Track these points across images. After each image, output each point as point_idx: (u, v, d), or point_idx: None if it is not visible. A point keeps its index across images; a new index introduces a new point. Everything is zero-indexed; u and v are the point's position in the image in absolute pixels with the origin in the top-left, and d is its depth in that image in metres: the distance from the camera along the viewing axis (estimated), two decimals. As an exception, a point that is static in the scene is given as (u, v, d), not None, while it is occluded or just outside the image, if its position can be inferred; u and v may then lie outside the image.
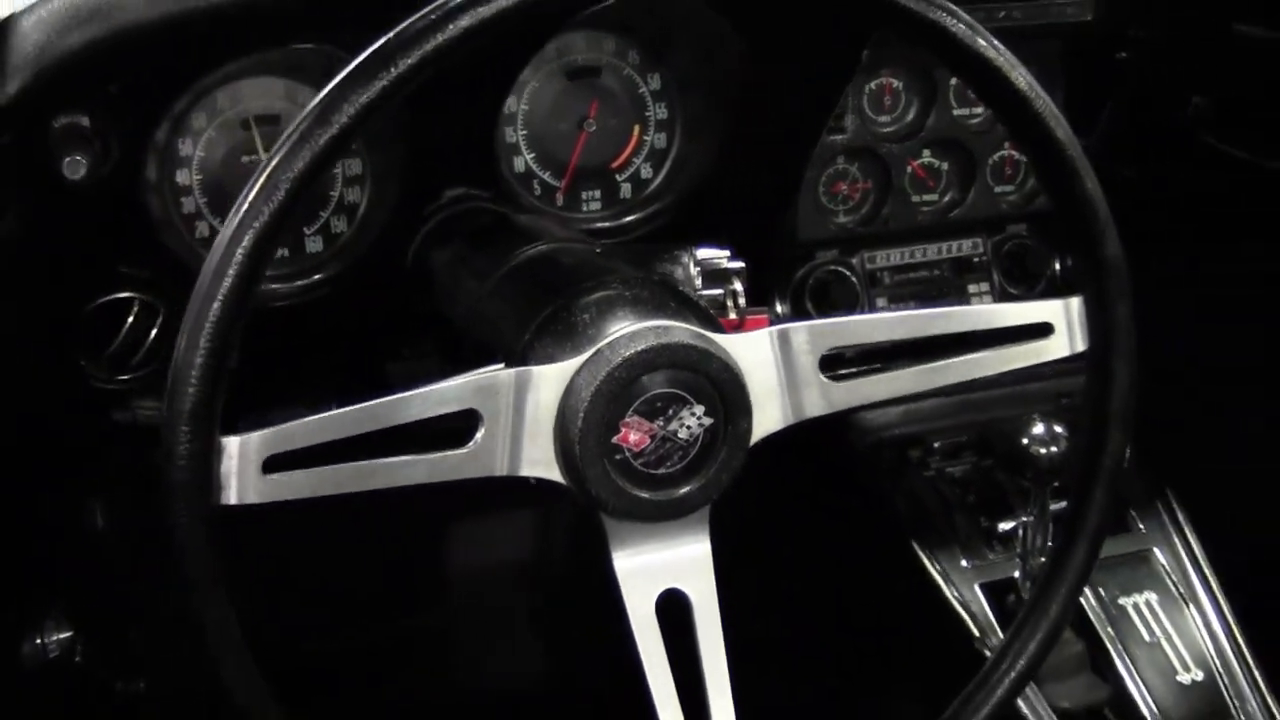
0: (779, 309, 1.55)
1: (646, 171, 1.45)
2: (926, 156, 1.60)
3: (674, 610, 0.96)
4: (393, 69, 0.82)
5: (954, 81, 1.57)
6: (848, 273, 1.59)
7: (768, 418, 0.95)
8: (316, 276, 1.34)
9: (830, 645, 1.67)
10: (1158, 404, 1.22)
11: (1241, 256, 1.74)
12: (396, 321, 1.30)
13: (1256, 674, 1.44)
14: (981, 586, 1.45)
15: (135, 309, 1.24)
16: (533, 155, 1.40)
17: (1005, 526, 1.42)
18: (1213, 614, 1.48)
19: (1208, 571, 1.50)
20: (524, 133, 1.39)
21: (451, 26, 0.83)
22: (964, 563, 1.47)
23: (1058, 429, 1.33)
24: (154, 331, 1.25)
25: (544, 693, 1.94)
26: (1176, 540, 1.53)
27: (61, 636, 1.30)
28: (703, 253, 1.11)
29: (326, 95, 0.83)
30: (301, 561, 1.68)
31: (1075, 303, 1.02)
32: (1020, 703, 1.35)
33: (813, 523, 1.63)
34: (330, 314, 1.32)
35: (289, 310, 1.32)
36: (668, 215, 1.44)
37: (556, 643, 1.95)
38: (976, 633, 1.42)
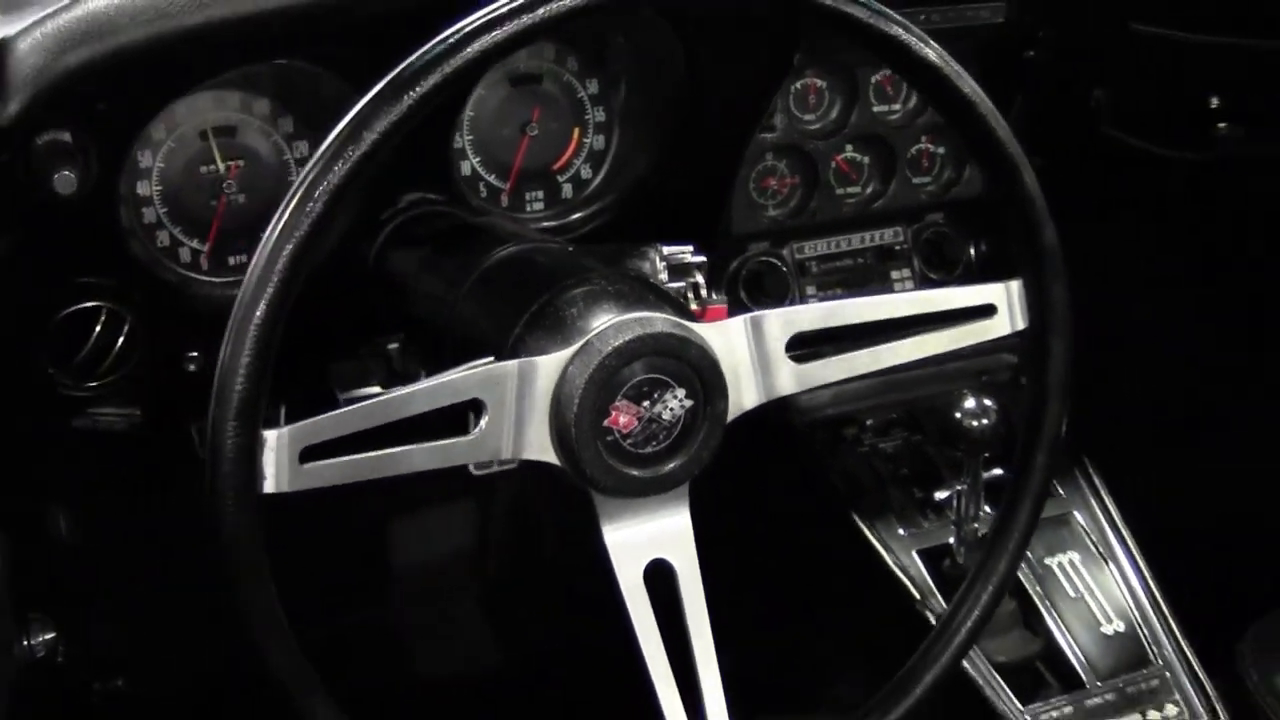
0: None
1: (586, 172, 1.49)
2: (849, 152, 1.65)
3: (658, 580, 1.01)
4: (418, 88, 0.87)
5: (874, 80, 1.64)
6: (779, 263, 1.65)
7: (743, 398, 1.01)
8: None
9: (778, 614, 1.72)
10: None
11: (1142, 237, 1.81)
12: (359, 324, 1.32)
13: (1171, 622, 1.51)
14: (919, 553, 1.51)
15: (103, 317, 1.25)
16: (479, 159, 1.43)
17: (940, 495, 1.48)
18: (1130, 570, 1.55)
19: (1124, 532, 1.57)
20: (470, 138, 1.42)
21: (470, 49, 0.88)
22: (901, 531, 1.53)
23: (987, 403, 1.38)
24: (120, 339, 1.27)
25: (494, 673, 1.97)
26: (1094, 504, 1.59)
27: (46, 637, 1.31)
28: (668, 249, 1.17)
29: (359, 111, 0.88)
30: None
31: (1015, 285, 1.09)
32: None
33: (757, 500, 1.67)
34: (294, 319, 1.34)
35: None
36: (608, 214, 1.48)
37: (503, 625, 1.97)
38: (917, 595, 1.48)
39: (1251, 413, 1.90)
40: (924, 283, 1.71)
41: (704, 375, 0.97)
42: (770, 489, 1.67)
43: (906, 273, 1.71)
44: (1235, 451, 1.89)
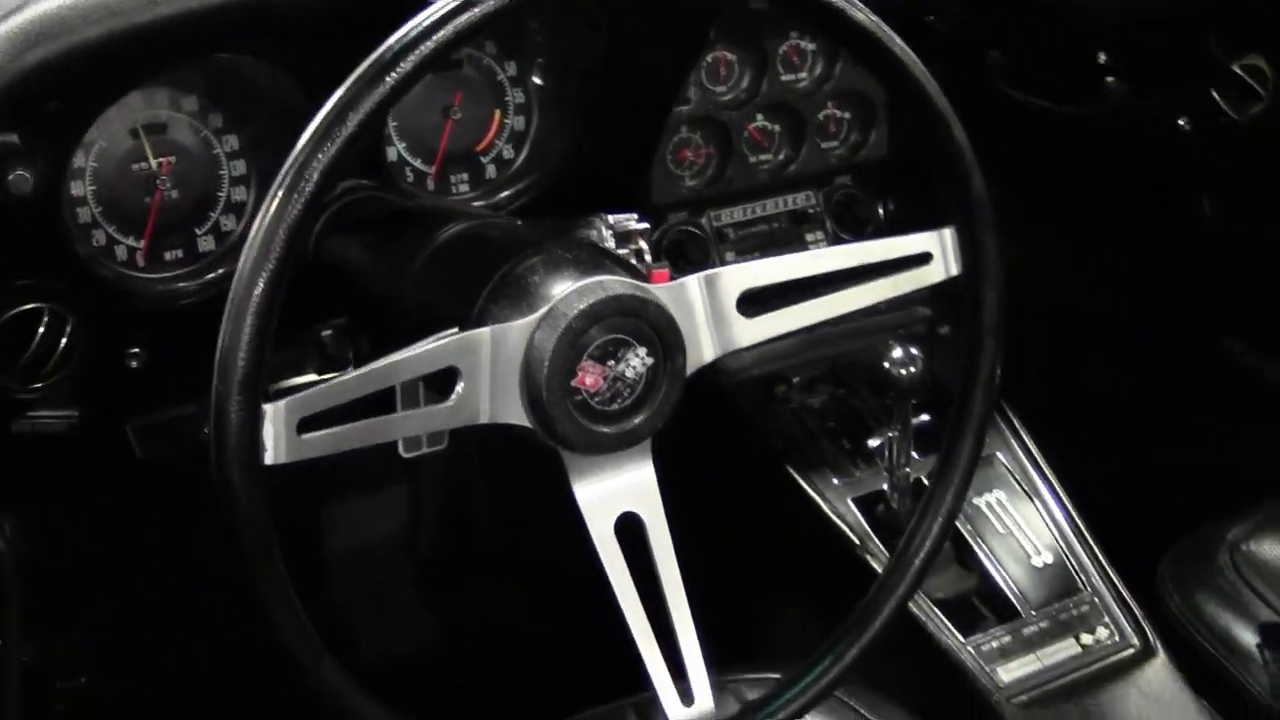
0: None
1: (509, 152, 1.49)
2: (760, 120, 1.67)
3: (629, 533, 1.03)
4: (399, 69, 0.90)
5: (781, 51, 1.66)
6: (698, 231, 1.67)
7: (700, 353, 1.04)
8: (214, 274, 1.34)
9: (720, 570, 1.73)
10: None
11: (1043, 195, 1.85)
12: (297, 314, 1.31)
13: (1096, 550, 1.55)
14: (854, 501, 1.54)
15: (46, 319, 1.24)
16: (404, 145, 1.43)
17: (873, 444, 1.51)
18: (1054, 505, 1.58)
19: (1046, 470, 1.61)
20: (395, 124, 1.43)
21: (446, 29, 0.91)
22: (835, 481, 1.56)
23: (914, 351, 1.41)
24: (64, 340, 1.25)
25: (432, 654, 1.97)
26: (1015, 446, 1.63)
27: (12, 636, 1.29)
28: (613, 217, 1.19)
29: (345, 93, 0.89)
30: (175, 556, 1.68)
31: (948, 233, 1.12)
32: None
33: (695, 461, 1.68)
34: None
35: (194, 308, 1.32)
36: (533, 191, 1.48)
37: (439, 605, 1.98)
38: (856, 541, 1.51)
39: (1151, 355, 1.95)
40: (836, 243, 1.73)
41: (663, 333, 0.99)
42: (706, 449, 1.68)
43: (820, 234, 1.74)
44: (1140, 392, 1.94)
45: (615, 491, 1.02)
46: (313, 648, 0.93)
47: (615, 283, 0.98)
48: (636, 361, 0.99)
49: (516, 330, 0.96)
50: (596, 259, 1.04)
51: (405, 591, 1.98)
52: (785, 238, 1.72)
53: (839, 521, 1.52)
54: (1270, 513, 1.56)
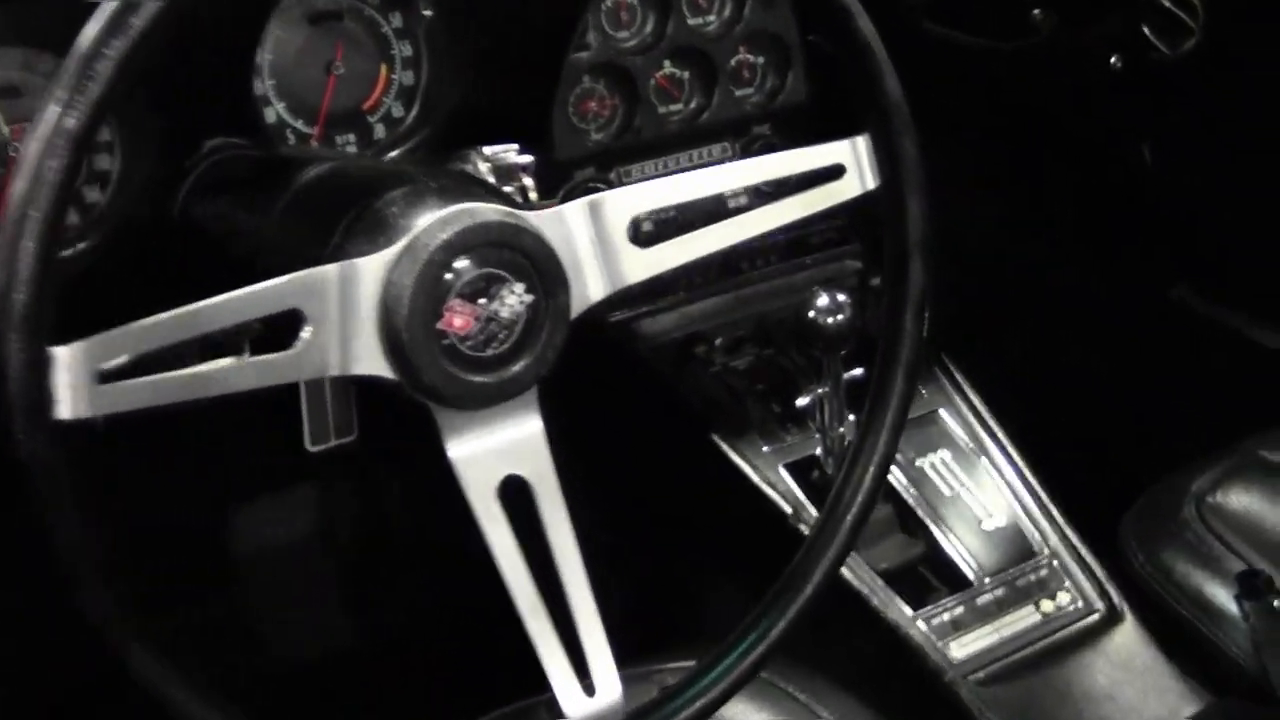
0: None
1: (398, 110, 1.38)
2: (668, 67, 1.54)
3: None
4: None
5: None
6: (606, 188, 1.51)
7: (587, 290, 0.92)
8: (79, 247, 1.22)
9: (644, 542, 1.60)
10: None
11: (977, 140, 1.75)
12: (169, 286, 1.19)
13: (1052, 509, 1.43)
14: (785, 467, 1.40)
15: None
16: (284, 105, 1.32)
17: (801, 402, 1.35)
18: (1004, 463, 1.46)
19: (993, 425, 1.48)
20: (272, 83, 1.31)
21: None
22: (764, 448, 1.41)
23: (841, 297, 1.28)
24: None
25: (353, 655, 1.85)
26: (959, 401, 1.50)
27: None
28: (491, 149, 1.07)
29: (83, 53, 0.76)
30: None
31: (861, 141, 1.00)
32: (844, 569, 1.28)
33: (611, 429, 1.55)
34: (101, 282, 1.20)
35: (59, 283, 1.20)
36: (424, 150, 1.38)
37: (358, 605, 1.88)
38: (789, 510, 1.37)
39: (1097, 305, 1.86)
40: (758, 197, 1.58)
41: (542, 266, 0.87)
42: (623, 418, 1.55)
43: (740, 189, 1.57)
44: (1088, 345, 1.85)
45: (495, 451, 0.89)
46: (124, 631, 0.79)
47: (485, 209, 0.86)
48: (513, 299, 0.86)
49: (371, 266, 0.84)
50: (466, 187, 0.92)
51: (319, 593, 1.87)
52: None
53: (770, 490, 1.38)
54: (1235, 461, 1.44)
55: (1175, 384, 1.79)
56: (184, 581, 1.67)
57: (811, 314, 1.27)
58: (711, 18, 1.55)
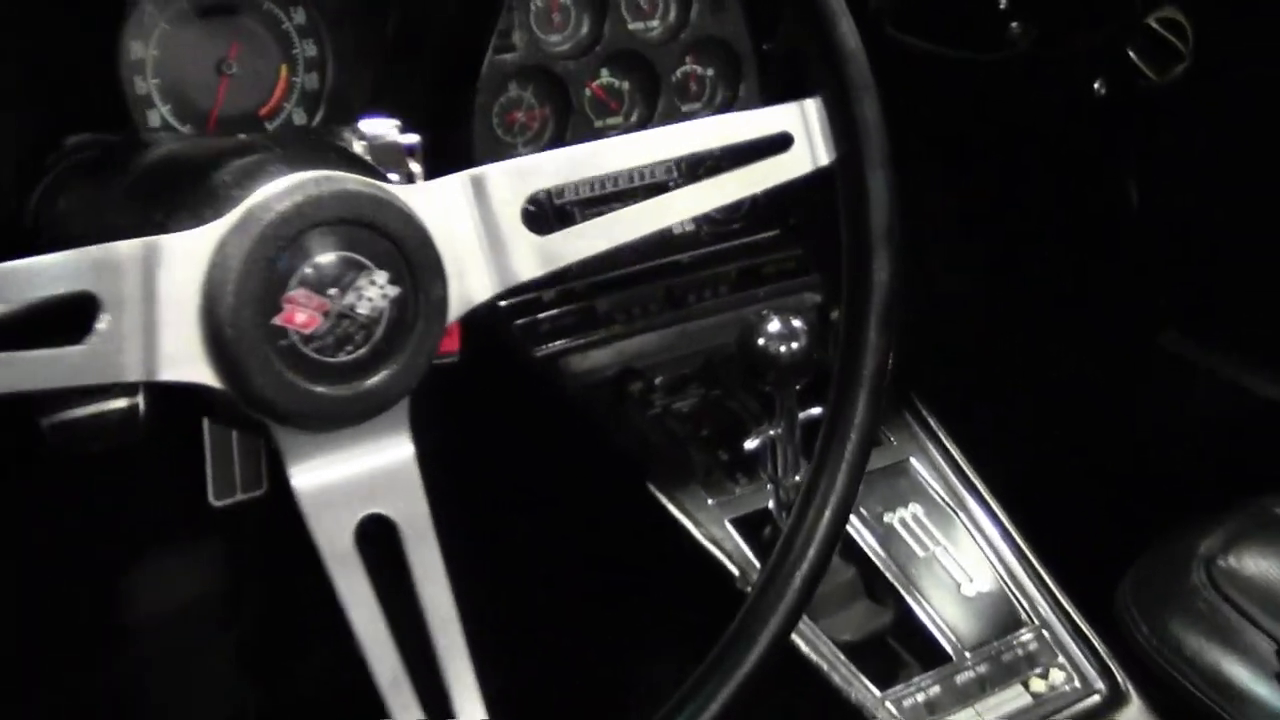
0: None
1: (300, 117, 1.23)
2: (605, 76, 1.37)
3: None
4: None
5: None
6: (534, 210, 1.31)
7: (471, 285, 0.75)
8: None
9: (570, 604, 1.41)
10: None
11: (951, 171, 1.63)
12: None
13: (1042, 573, 1.23)
14: (733, 522, 1.20)
15: None
16: (168, 107, 1.17)
17: (750, 445, 1.14)
18: (985, 519, 1.26)
19: (972, 477, 1.29)
20: (156, 82, 1.16)
21: None
22: (709, 500, 1.21)
23: (795, 323, 1.10)
24: None
25: None
26: (933, 449, 1.31)
27: None
28: (368, 125, 0.88)
29: None
30: None
31: (813, 104, 0.82)
32: (798, 640, 1.08)
33: (535, 476, 1.37)
34: None
35: None
36: None
37: (261, 676, 1.70)
38: (735, 571, 1.17)
39: (1083, 351, 1.69)
40: (708, 223, 1.41)
41: (411, 252, 0.72)
42: (546, 460, 1.36)
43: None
44: (1073, 392, 1.68)
45: (353, 484, 0.73)
46: None
47: (341, 178, 0.70)
48: (373, 292, 0.70)
49: (184, 243, 0.68)
50: (322, 154, 0.74)
51: (220, 660, 1.70)
52: None
53: (713, 548, 1.17)
54: (1246, 519, 1.26)
55: (1169, 434, 1.63)
56: (72, 646, 1.53)
57: (761, 341, 1.08)
58: (654, 22, 1.38)
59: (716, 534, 1.17)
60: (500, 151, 1.31)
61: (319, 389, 0.70)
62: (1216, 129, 1.59)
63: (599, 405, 1.27)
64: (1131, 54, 1.50)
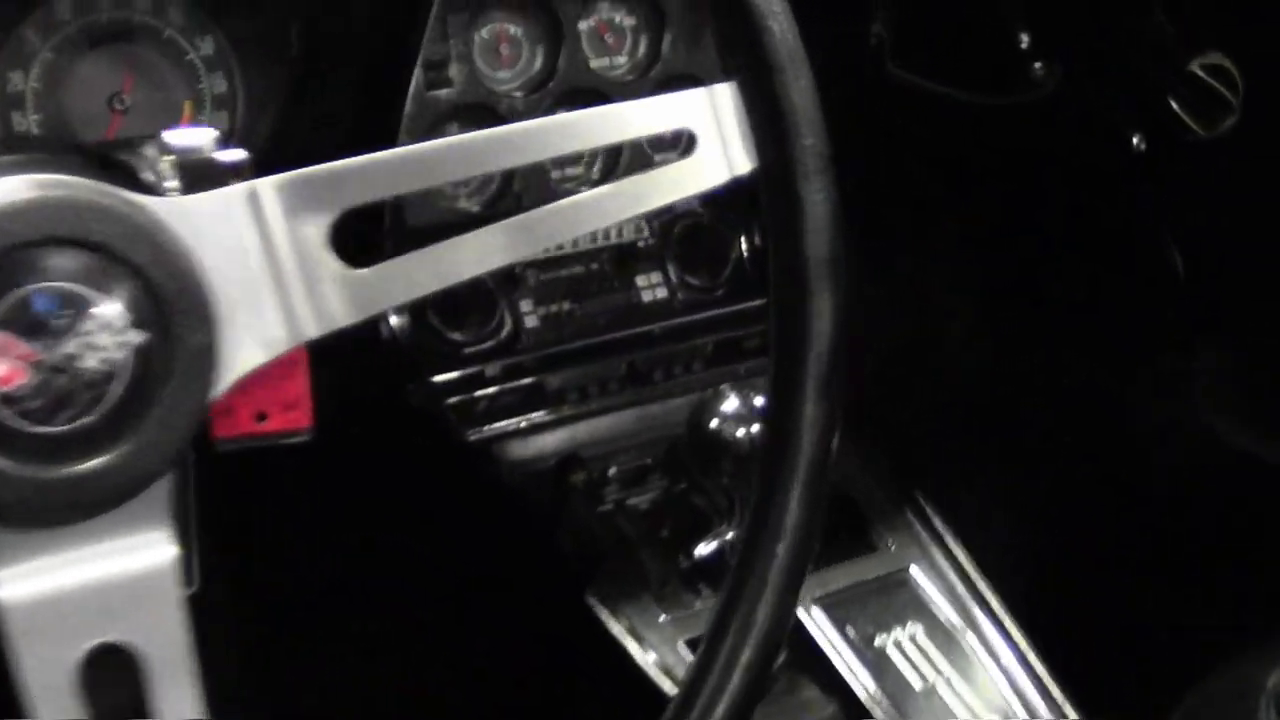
0: (394, 321, 1.14)
1: None
2: None
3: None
4: None
5: (587, 25, 1.21)
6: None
7: (252, 334, 0.58)
8: None
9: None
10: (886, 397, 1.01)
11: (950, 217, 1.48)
12: None
13: (1067, 709, 1.07)
14: (689, 644, 1.02)
15: None
16: None
17: (703, 551, 0.97)
18: (998, 642, 1.09)
19: (985, 590, 1.13)
20: (36, 117, 1.06)
21: None
22: (661, 615, 1.04)
23: (757, 401, 0.94)
24: None
25: None
26: (938, 556, 1.14)
27: None
28: (175, 135, 0.67)
29: None
30: None
31: (725, 91, 0.64)
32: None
33: (467, 571, 1.20)
34: None
35: None
36: None
37: None
38: None
39: (1108, 431, 1.52)
40: (684, 290, 1.27)
41: (160, 284, 0.56)
42: (479, 562, 1.18)
43: (657, 278, 1.25)
44: (1104, 485, 1.49)
45: (75, 600, 0.56)
46: None
47: (72, 183, 0.55)
48: (107, 338, 0.55)
49: None
50: (64, 160, 0.59)
51: None
52: (608, 283, 1.24)
53: (658, 674, 1.00)
54: None
55: (1219, 534, 1.45)
56: None
57: (715, 423, 0.92)
58: (621, 58, 1.23)
59: (667, 658, 1.00)
60: (435, 202, 1.16)
61: (23, 469, 0.54)
62: (1271, 187, 1.40)
63: (537, 499, 1.10)
64: (1174, 105, 1.35)
